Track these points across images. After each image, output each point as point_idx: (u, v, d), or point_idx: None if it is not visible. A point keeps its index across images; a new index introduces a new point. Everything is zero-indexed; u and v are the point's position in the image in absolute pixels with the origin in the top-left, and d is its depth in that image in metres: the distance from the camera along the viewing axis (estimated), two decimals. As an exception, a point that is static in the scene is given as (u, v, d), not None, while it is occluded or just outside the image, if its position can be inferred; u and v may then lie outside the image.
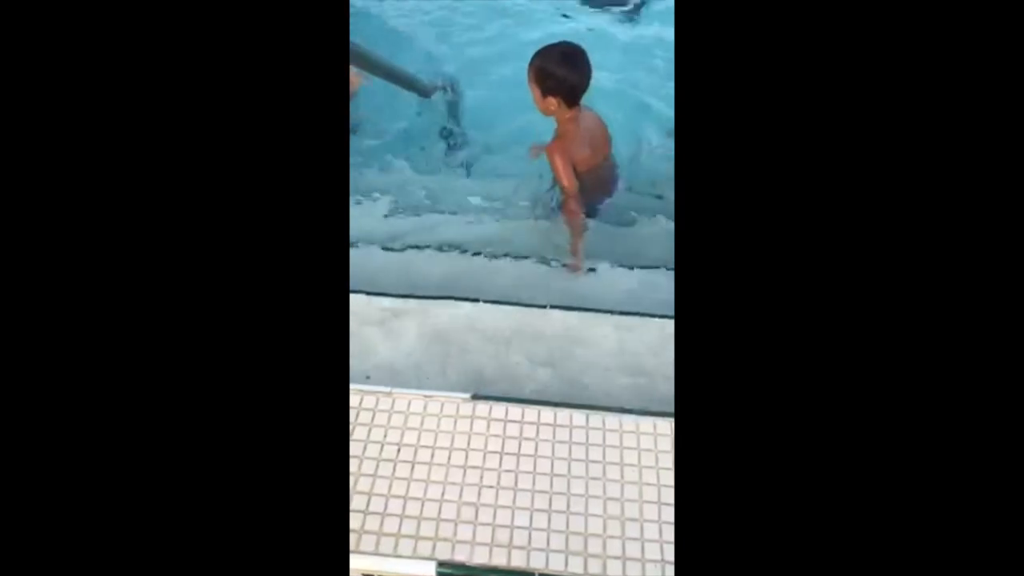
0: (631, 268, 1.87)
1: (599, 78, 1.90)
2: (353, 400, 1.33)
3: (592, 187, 2.01)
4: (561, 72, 1.80)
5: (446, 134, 2.48)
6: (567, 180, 1.93)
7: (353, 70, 1.86)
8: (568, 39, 1.88)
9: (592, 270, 1.88)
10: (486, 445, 1.27)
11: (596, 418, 1.31)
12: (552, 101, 1.84)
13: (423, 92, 2.15)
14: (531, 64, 1.84)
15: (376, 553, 1.13)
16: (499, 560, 1.12)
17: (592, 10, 3.07)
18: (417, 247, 1.96)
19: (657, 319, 1.58)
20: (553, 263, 1.93)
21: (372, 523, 1.16)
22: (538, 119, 1.99)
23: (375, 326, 1.58)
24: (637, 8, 3.06)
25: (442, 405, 1.33)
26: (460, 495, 1.20)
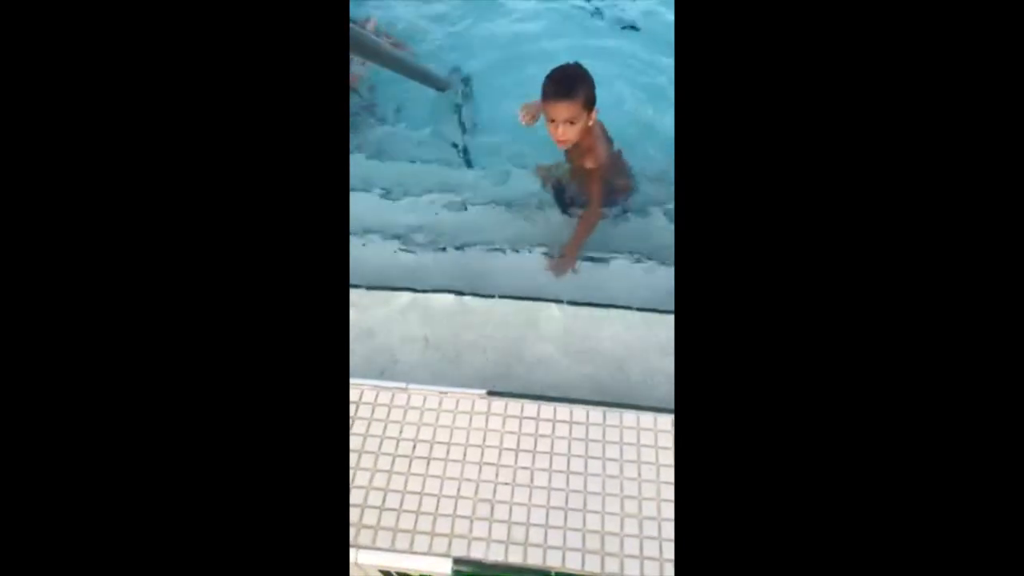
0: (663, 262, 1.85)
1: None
2: (368, 396, 1.33)
3: (613, 180, 2.01)
4: (588, 81, 1.79)
5: (461, 128, 2.46)
6: (597, 196, 1.92)
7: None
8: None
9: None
10: (502, 442, 1.26)
11: (613, 415, 1.30)
12: (593, 115, 1.83)
13: (439, 86, 2.14)
14: (579, 92, 1.76)
15: (392, 549, 1.12)
16: (515, 558, 1.11)
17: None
18: (434, 243, 1.95)
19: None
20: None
21: (388, 519, 1.16)
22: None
23: (390, 322, 1.58)
24: None
25: (458, 401, 1.32)
26: (476, 492, 1.19)
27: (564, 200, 2.14)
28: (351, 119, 2.43)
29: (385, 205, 2.17)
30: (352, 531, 1.15)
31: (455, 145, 2.43)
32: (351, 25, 1.74)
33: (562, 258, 1.88)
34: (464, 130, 2.45)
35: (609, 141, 2.00)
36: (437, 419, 1.30)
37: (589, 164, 1.89)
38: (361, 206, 2.12)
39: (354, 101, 2.41)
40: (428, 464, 1.23)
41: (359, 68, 2.37)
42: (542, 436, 1.27)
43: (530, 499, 1.18)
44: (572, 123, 1.78)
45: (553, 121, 1.79)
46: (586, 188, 1.96)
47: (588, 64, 1.81)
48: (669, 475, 1.20)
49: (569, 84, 1.76)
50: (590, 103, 1.80)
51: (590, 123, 1.83)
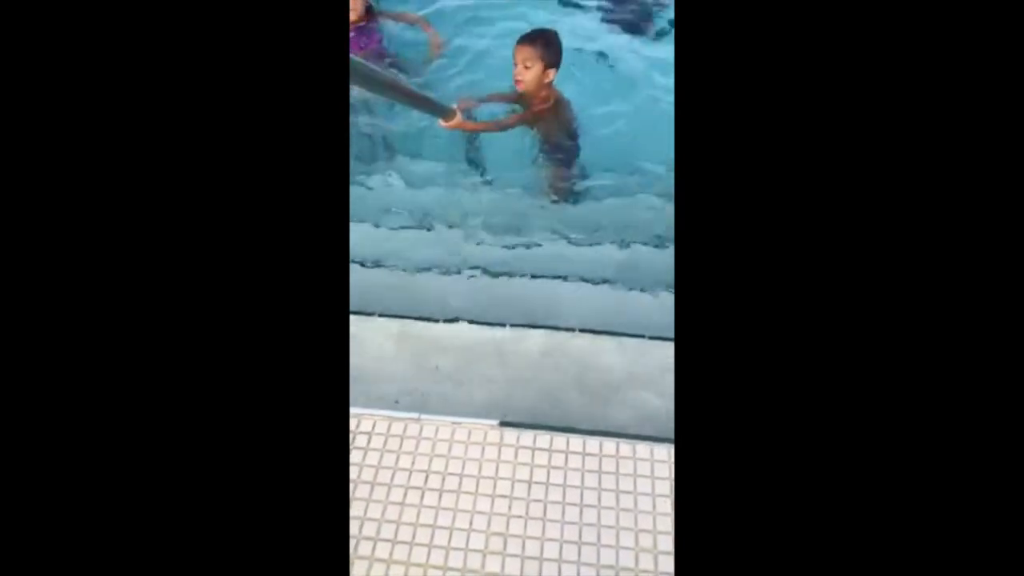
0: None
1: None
2: (380, 427, 1.33)
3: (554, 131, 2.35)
4: (555, 47, 2.20)
5: (470, 156, 2.48)
6: (519, 119, 2.29)
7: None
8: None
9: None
10: (514, 474, 1.26)
11: (626, 446, 1.29)
12: (550, 73, 2.21)
13: (442, 114, 2.15)
14: (528, 43, 2.17)
15: (404, 584, 1.12)
16: (528, 593, 1.10)
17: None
18: (444, 269, 1.96)
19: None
20: (574, 279, 1.93)
21: (400, 553, 1.15)
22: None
23: (402, 351, 1.58)
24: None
25: (470, 432, 1.32)
26: (488, 525, 1.18)
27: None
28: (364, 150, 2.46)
29: (395, 233, 2.18)
30: (364, 565, 1.14)
31: (473, 164, 2.45)
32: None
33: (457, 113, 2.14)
34: (471, 158, 2.46)
35: (571, 114, 2.35)
36: (449, 450, 1.29)
37: (540, 106, 2.28)
38: (373, 234, 2.13)
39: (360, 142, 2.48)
40: (440, 496, 1.22)
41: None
42: (555, 468, 1.27)
43: (543, 533, 1.17)
44: (527, 67, 2.17)
45: (516, 65, 2.19)
46: (525, 111, 2.31)
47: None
48: (684, 508, 1.19)
49: (532, 34, 2.21)
50: (548, 60, 2.18)
51: (546, 80, 2.21)
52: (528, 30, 2.25)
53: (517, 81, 2.22)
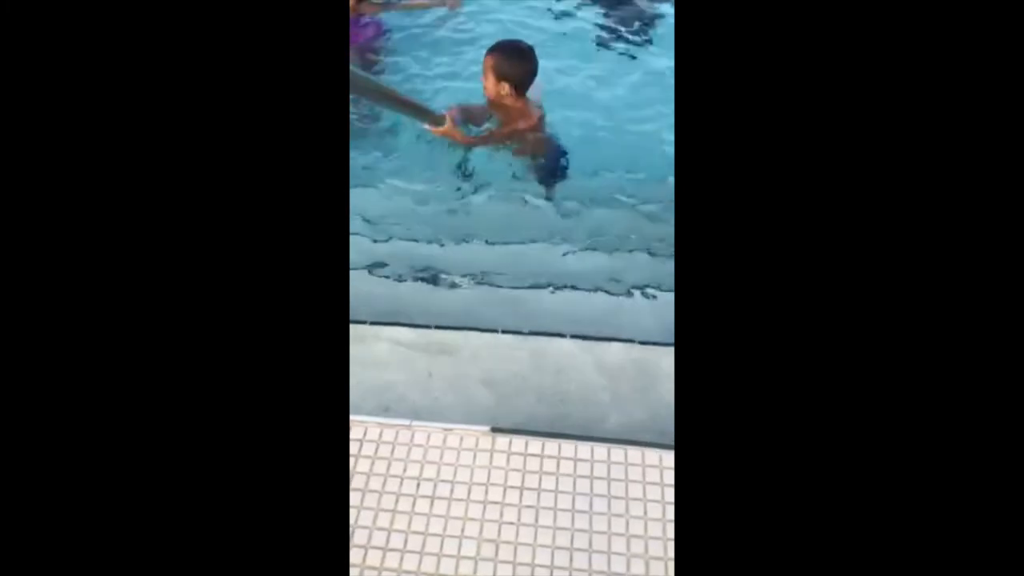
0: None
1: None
2: (372, 433, 1.32)
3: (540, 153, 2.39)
4: (516, 62, 2.20)
5: (462, 164, 2.48)
6: (507, 132, 2.29)
7: None
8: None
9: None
10: (506, 480, 1.26)
11: (618, 451, 1.29)
12: (504, 86, 2.20)
13: (433, 120, 2.16)
14: (489, 52, 2.21)
15: (395, 591, 1.11)
16: (520, 599, 1.10)
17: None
18: (435, 277, 1.96)
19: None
20: (565, 288, 1.94)
21: (391, 560, 1.15)
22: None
23: (394, 358, 1.58)
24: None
25: (461, 438, 1.32)
26: (480, 531, 1.18)
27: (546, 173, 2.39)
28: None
29: (386, 240, 2.18)
30: (355, 572, 1.13)
31: (464, 173, 2.45)
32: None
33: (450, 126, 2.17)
34: (463, 167, 2.47)
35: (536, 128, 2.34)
36: (441, 457, 1.29)
37: (520, 125, 2.31)
38: (364, 241, 2.13)
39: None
40: (432, 503, 1.22)
41: None
42: (546, 473, 1.26)
43: (535, 539, 1.17)
44: (486, 75, 2.20)
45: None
46: (507, 122, 2.31)
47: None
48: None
49: (492, 46, 2.22)
50: (499, 72, 2.19)
51: (503, 92, 2.21)
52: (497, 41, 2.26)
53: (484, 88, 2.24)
